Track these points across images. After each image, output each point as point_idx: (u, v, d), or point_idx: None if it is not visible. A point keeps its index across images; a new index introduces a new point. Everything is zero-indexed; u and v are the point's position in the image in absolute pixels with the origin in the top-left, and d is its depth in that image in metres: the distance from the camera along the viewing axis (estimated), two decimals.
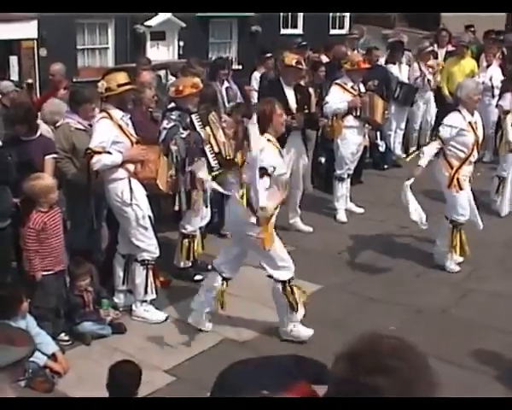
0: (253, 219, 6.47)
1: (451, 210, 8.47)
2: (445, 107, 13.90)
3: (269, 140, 6.69)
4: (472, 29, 17.35)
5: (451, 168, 8.36)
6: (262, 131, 6.55)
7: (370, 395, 1.77)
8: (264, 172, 6.38)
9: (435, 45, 14.71)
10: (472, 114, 8.43)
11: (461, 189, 8.34)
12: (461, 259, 8.59)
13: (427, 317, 7.27)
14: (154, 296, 7.34)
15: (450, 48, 15.17)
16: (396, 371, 1.80)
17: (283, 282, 6.70)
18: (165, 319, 7.27)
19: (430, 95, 13.94)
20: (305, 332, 6.80)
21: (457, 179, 8.35)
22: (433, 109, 14.00)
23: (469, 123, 8.37)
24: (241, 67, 19.70)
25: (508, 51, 15.08)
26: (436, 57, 14.17)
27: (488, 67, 13.73)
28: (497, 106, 10.84)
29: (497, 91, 12.44)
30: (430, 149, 8.39)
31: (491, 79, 13.35)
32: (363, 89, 10.30)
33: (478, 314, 7.41)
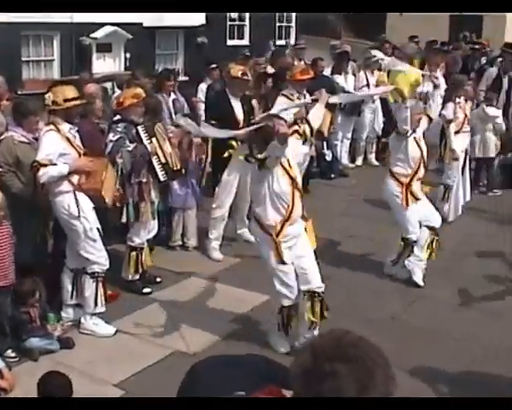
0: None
1: (402, 229, 8.59)
2: (391, 116, 14.11)
3: None
4: (416, 40, 17.61)
5: (402, 186, 8.48)
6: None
7: (331, 381, 1.81)
8: None
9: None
10: (415, 131, 8.56)
11: (416, 199, 8.46)
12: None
13: (377, 324, 7.29)
14: (104, 309, 7.29)
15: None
16: (356, 360, 1.85)
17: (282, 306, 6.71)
18: (115, 333, 7.22)
19: (377, 104, 14.11)
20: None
21: (411, 193, 8.46)
22: (381, 119, 14.18)
23: (414, 138, 8.50)
24: (187, 78, 19.64)
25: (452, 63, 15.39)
26: (380, 68, 14.35)
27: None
28: (440, 115, 10.99)
29: (440, 100, 12.61)
30: None
31: (435, 89, 13.53)
32: (308, 99, 10.35)
33: (427, 321, 7.49)
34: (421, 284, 8.48)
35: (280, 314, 6.75)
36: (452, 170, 10.67)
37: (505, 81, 14.04)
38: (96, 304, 7.20)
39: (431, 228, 8.58)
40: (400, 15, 31.61)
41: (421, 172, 8.55)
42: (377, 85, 13.65)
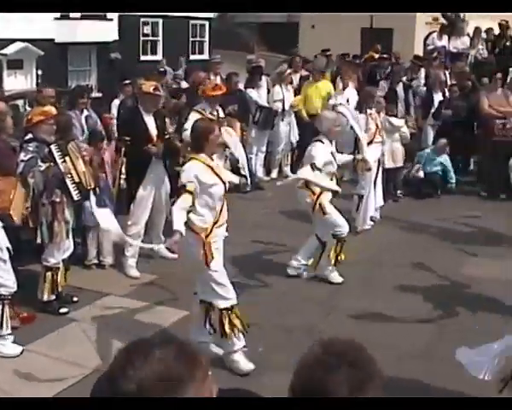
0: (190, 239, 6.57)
1: (328, 230, 8.79)
2: (305, 130, 14.33)
3: (199, 160, 6.67)
4: (327, 53, 17.91)
5: (314, 194, 8.63)
6: (197, 151, 6.63)
7: (336, 375, 2.00)
8: (183, 189, 6.46)
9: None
10: (331, 144, 8.75)
11: (324, 214, 8.62)
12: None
13: (295, 336, 7.34)
14: (10, 332, 7.15)
15: (304, 72, 15.65)
16: (360, 362, 2.11)
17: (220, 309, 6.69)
18: (21, 353, 7.06)
19: (292, 117, 14.29)
20: (246, 366, 6.74)
21: (320, 205, 8.63)
22: (296, 131, 14.36)
23: (331, 153, 8.69)
24: (101, 94, 19.51)
25: (367, 75, 15.74)
26: (291, 82, 14.57)
27: (344, 89, 14.24)
28: (351, 127, 11.21)
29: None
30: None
31: (348, 101, 13.81)
32: (222, 114, 10.44)
33: (344, 331, 7.56)
34: (340, 279, 8.86)
35: (217, 318, 6.75)
36: (366, 180, 10.88)
37: (400, 90, 14.49)
38: (1, 327, 7.07)
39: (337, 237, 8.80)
40: (312, 28, 32.05)
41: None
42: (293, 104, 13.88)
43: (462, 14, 22.45)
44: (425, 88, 15.25)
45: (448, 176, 13.41)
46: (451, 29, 19.43)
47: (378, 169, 11.13)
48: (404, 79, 15.30)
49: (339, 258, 8.89)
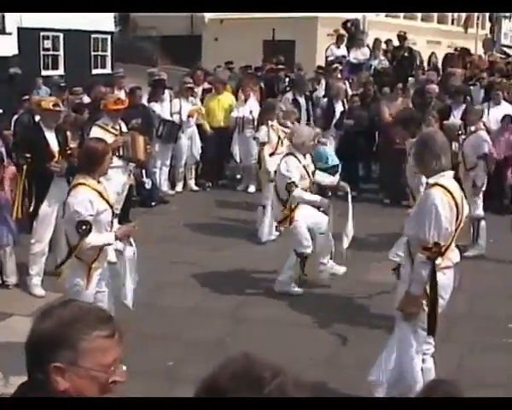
0: None
1: (296, 244, 8.87)
2: (209, 143, 14.41)
3: (89, 186, 6.47)
4: (230, 65, 18.01)
5: (289, 209, 8.80)
6: (87, 173, 6.43)
7: None
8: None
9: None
10: (304, 158, 8.86)
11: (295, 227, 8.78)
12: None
13: (203, 349, 7.33)
14: None
15: (206, 85, 15.71)
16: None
17: None
18: None
19: (194, 130, 14.30)
20: None
21: (291, 219, 8.78)
22: (198, 144, 14.38)
23: (304, 166, 8.81)
24: (0, 111, 19.08)
25: (266, 86, 15.90)
26: (193, 95, 14.58)
27: (246, 100, 14.35)
28: (254, 138, 11.33)
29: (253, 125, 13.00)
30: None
31: (250, 113, 13.94)
32: (124, 128, 10.38)
33: (253, 342, 7.58)
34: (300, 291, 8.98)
35: None
36: (270, 191, 10.94)
37: (302, 100, 14.75)
38: None
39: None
40: (215, 40, 32.19)
41: None
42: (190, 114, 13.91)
43: (361, 26, 23.01)
44: (326, 99, 15.47)
45: None
46: (352, 40, 19.83)
47: None
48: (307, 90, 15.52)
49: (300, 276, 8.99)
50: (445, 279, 5.73)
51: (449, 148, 5.91)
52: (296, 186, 8.60)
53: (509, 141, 12.91)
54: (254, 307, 8.64)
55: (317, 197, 8.87)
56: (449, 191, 5.53)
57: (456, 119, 13.30)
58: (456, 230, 5.63)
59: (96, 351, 2.44)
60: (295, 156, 8.82)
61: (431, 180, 5.61)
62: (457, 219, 5.59)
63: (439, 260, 5.53)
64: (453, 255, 5.77)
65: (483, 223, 10.76)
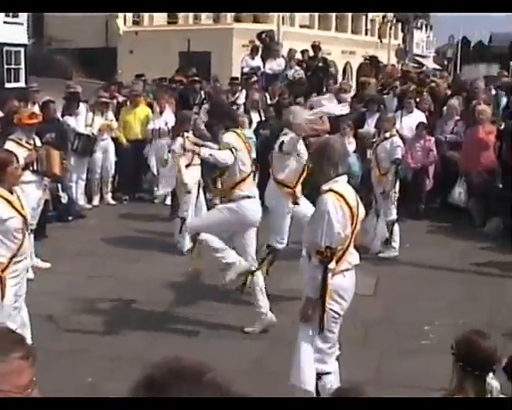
0: None
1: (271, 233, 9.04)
2: (125, 155, 14.34)
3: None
4: (143, 78, 17.92)
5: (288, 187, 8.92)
6: None
7: None
8: None
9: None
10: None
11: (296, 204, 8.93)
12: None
13: (122, 363, 7.23)
14: None
15: (121, 98, 15.63)
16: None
17: None
18: None
19: (108, 143, 14.20)
20: None
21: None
22: (113, 157, 14.30)
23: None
24: None
25: (180, 97, 15.88)
26: (107, 108, 14.48)
27: (161, 113, 14.33)
28: (170, 151, 11.30)
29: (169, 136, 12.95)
30: None
31: (166, 125, 13.90)
32: (38, 142, 10.22)
33: (173, 353, 7.54)
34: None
35: None
36: (187, 203, 10.93)
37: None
38: None
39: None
40: (130, 53, 32.04)
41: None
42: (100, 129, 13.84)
43: (276, 37, 23.20)
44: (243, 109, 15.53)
45: None
46: (267, 51, 19.96)
47: (198, 191, 11.19)
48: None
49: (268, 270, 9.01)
50: (346, 282, 5.83)
51: (346, 155, 6.05)
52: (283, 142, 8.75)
53: (424, 148, 13.22)
54: (174, 320, 8.58)
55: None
56: (342, 196, 5.65)
57: (370, 127, 13.57)
58: (352, 233, 5.74)
59: (12, 373, 2.42)
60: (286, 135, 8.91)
61: (325, 186, 5.70)
62: (352, 223, 5.70)
63: (332, 265, 5.62)
64: (352, 258, 5.87)
65: (396, 227, 11.03)
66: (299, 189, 9.05)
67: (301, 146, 9.00)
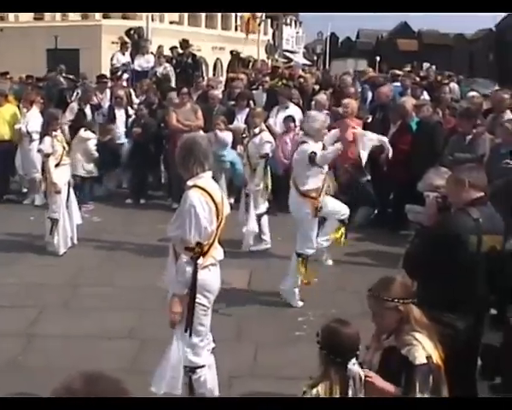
0: None
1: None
2: None
3: None
4: (7, 76, 17.46)
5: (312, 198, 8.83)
6: None
7: None
8: None
9: None
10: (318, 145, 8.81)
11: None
12: None
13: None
14: None
15: None
16: None
17: None
18: None
19: None
20: None
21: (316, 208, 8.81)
22: None
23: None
24: None
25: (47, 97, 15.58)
26: None
27: (28, 112, 13.99)
28: (38, 150, 11.06)
29: (37, 136, 12.64)
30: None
31: (34, 124, 13.53)
32: None
33: (48, 359, 7.37)
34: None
35: None
36: (56, 203, 10.70)
37: (88, 110, 14.62)
38: None
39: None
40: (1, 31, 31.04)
41: None
42: None
43: (145, 34, 23.08)
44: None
45: None
46: (136, 48, 19.83)
47: (69, 191, 10.97)
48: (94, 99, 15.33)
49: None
50: (211, 276, 5.87)
51: (211, 152, 6.05)
52: (315, 154, 8.59)
53: (293, 141, 13.36)
54: (49, 323, 8.39)
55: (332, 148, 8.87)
56: (207, 192, 5.69)
57: (240, 122, 13.65)
58: (217, 228, 5.79)
59: None
60: (308, 144, 8.82)
61: (190, 182, 5.71)
62: (218, 218, 5.75)
63: (200, 260, 5.66)
64: (216, 253, 5.91)
65: (264, 220, 11.20)
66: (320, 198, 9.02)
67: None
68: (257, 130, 11.24)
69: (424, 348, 4.23)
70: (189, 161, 5.76)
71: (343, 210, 9.37)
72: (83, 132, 13.60)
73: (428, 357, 4.20)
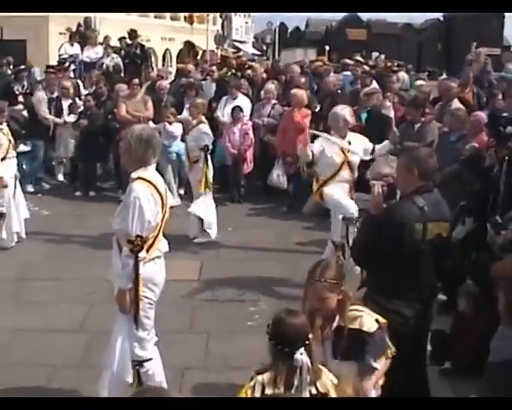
0: None
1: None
2: None
3: None
4: None
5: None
6: None
7: None
8: None
9: None
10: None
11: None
12: None
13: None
14: None
15: None
16: None
17: None
18: None
19: None
20: None
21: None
22: None
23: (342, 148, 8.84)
24: None
25: None
26: None
27: None
28: None
29: None
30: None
31: None
32: None
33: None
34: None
35: None
36: (4, 197, 10.56)
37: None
38: None
39: None
40: None
41: None
42: None
43: (93, 24, 22.85)
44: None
45: None
46: (84, 39, 19.63)
47: (15, 184, 10.82)
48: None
49: None
50: (156, 269, 5.85)
51: (159, 143, 6.00)
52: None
53: (241, 131, 13.38)
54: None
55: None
56: (152, 184, 5.66)
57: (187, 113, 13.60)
58: (162, 220, 5.77)
59: None
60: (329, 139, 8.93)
61: (134, 174, 5.67)
62: (162, 209, 5.73)
63: (143, 253, 5.61)
64: (161, 245, 5.89)
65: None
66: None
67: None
68: (194, 122, 11.17)
69: (370, 314, 4.57)
70: (148, 152, 5.71)
71: (351, 208, 8.89)
72: None
73: (377, 320, 4.55)
